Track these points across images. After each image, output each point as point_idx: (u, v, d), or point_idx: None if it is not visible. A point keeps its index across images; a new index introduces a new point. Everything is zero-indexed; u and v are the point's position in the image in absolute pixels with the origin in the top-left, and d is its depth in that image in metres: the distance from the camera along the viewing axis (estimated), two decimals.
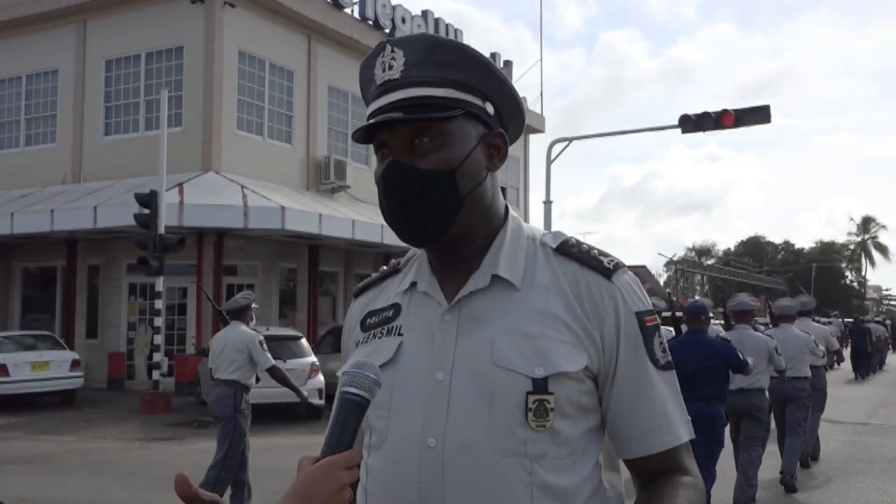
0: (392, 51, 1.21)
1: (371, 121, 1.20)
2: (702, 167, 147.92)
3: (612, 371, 1.20)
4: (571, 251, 1.25)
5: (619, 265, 1.24)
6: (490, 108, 1.24)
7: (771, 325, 8.83)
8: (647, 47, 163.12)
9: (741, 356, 5.88)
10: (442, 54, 1.20)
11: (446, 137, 1.19)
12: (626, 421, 1.21)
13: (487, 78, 1.23)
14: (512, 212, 1.32)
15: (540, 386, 1.14)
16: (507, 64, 25.04)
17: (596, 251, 1.25)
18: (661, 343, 1.24)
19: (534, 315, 1.19)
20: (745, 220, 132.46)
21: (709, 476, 5.84)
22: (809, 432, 8.20)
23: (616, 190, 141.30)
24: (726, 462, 6.48)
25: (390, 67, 1.20)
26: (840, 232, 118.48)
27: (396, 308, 1.30)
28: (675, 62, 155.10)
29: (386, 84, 1.21)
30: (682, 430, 1.22)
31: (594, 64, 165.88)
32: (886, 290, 78.07)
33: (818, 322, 16.88)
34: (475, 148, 1.22)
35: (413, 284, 1.29)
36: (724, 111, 15.43)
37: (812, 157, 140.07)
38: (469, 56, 1.22)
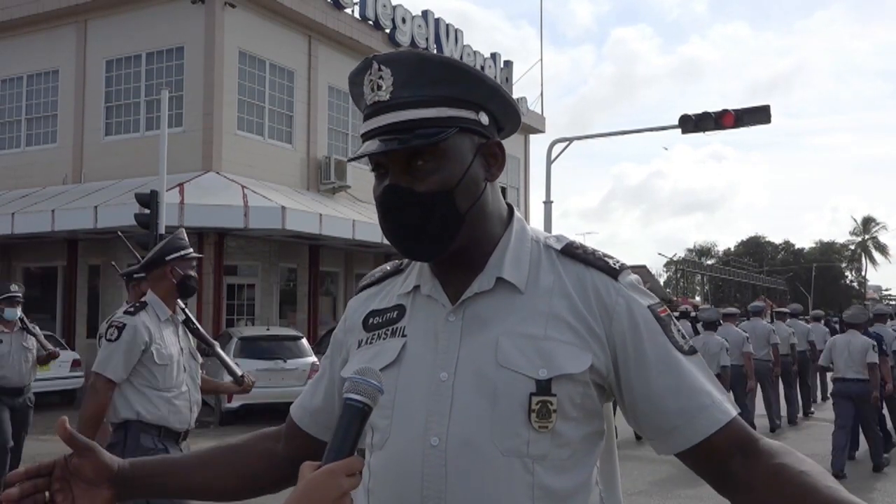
0: (379, 69, 1.20)
1: (363, 153, 1.20)
2: (706, 167, 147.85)
3: (637, 368, 1.19)
4: (576, 253, 1.26)
5: (624, 266, 1.25)
6: (484, 118, 1.24)
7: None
8: (658, 45, 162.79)
9: (886, 348, 8.97)
10: (430, 72, 1.19)
11: (442, 158, 1.19)
12: (672, 412, 1.18)
13: (478, 88, 1.22)
14: (517, 213, 1.33)
15: (543, 387, 1.15)
16: (508, 64, 25.00)
17: (600, 253, 1.27)
18: (679, 330, 1.24)
19: (538, 317, 1.20)
20: (748, 219, 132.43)
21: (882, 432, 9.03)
22: None
23: (619, 189, 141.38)
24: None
25: (379, 88, 1.19)
26: (844, 232, 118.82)
27: (400, 309, 1.30)
28: (687, 60, 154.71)
29: (376, 105, 1.20)
30: (728, 406, 1.19)
31: (604, 61, 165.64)
32: (886, 289, 78.02)
33: (829, 320, 20.00)
34: (472, 162, 1.22)
35: (416, 287, 1.30)
36: (725, 111, 15.39)
37: (818, 157, 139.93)
38: (457, 70, 1.21)
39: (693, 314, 13.96)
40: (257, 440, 1.41)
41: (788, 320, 13.02)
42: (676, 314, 13.60)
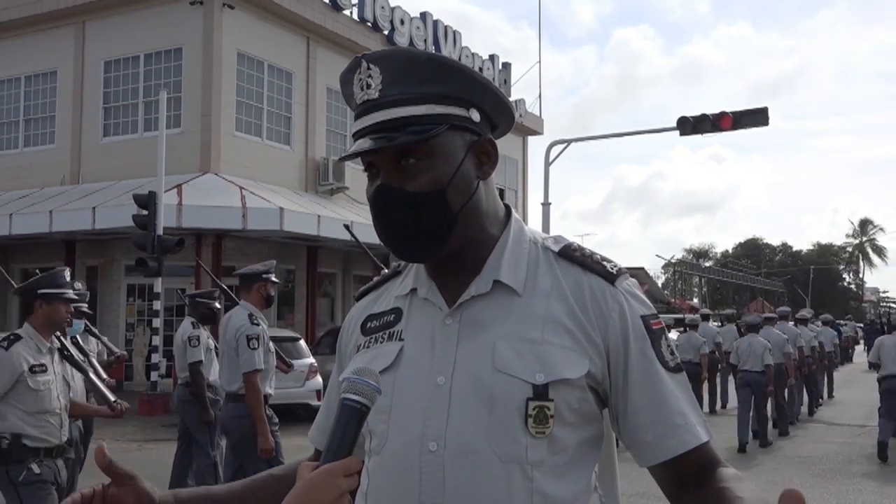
0: (368, 67, 1.19)
1: (353, 151, 1.19)
2: (706, 168, 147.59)
3: (622, 375, 1.18)
4: (574, 255, 1.24)
5: (621, 270, 1.24)
6: (475, 115, 1.22)
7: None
8: (661, 45, 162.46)
9: None
10: (419, 69, 1.18)
11: (432, 156, 1.18)
12: (644, 425, 1.18)
13: (469, 85, 1.21)
14: (514, 214, 1.32)
15: (540, 392, 1.14)
16: (506, 66, 25.00)
17: (598, 256, 1.25)
18: (669, 346, 1.22)
19: (535, 320, 1.18)
20: (748, 221, 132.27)
21: None
22: None
23: (620, 191, 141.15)
24: None
25: (367, 86, 1.19)
26: (844, 234, 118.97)
27: (397, 312, 1.29)
28: (689, 61, 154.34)
29: (365, 104, 1.19)
30: (700, 430, 1.19)
31: (606, 62, 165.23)
32: (884, 292, 78.04)
33: (837, 323, 21.64)
34: (463, 160, 1.21)
35: (413, 290, 1.29)
36: (723, 113, 15.41)
37: (818, 159, 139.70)
38: (447, 67, 1.20)
39: (687, 319, 14.86)
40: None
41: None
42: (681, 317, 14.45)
